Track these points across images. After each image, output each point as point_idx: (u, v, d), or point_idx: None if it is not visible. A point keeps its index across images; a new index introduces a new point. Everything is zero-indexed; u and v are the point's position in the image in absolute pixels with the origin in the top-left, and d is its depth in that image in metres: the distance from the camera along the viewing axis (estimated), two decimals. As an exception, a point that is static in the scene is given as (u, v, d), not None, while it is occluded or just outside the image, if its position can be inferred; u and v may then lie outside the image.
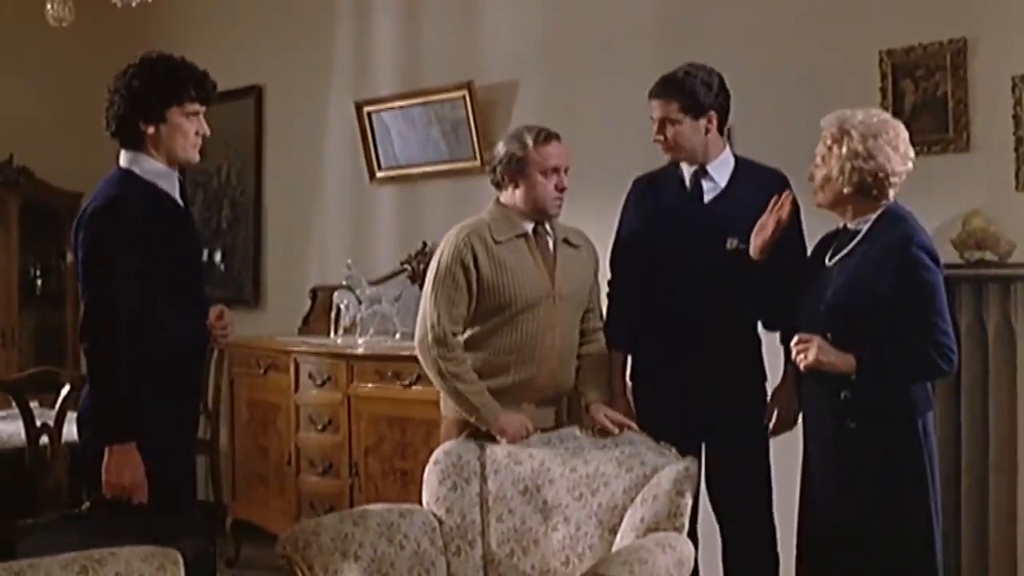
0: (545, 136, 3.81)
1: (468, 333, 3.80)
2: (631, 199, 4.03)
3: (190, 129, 3.45)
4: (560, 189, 3.81)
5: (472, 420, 3.78)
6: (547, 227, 3.88)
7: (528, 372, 3.79)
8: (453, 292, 3.74)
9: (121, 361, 3.29)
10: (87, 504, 3.45)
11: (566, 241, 3.93)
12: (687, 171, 3.89)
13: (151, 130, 3.40)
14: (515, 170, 3.80)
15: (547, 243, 3.88)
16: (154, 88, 3.40)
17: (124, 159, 3.45)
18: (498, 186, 3.89)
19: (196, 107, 3.45)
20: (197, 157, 3.52)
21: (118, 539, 2.77)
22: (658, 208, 3.92)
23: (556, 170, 3.80)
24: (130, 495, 3.29)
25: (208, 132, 3.50)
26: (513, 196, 3.84)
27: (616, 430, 3.73)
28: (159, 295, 3.38)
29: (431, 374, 3.81)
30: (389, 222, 6.28)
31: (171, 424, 3.43)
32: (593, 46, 5.32)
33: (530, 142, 3.79)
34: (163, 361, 3.39)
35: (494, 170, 3.87)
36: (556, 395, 3.93)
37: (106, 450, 3.30)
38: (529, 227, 3.84)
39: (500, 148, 3.86)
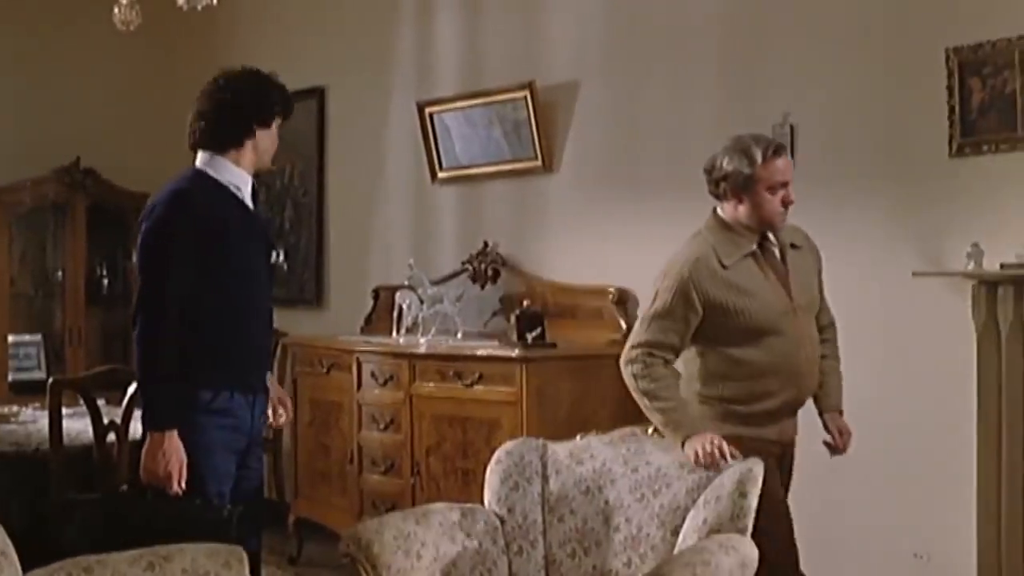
0: (774, 150, 3.58)
1: (715, 360, 3.60)
2: None
3: (276, 138, 3.62)
4: (787, 203, 3.59)
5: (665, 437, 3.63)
6: (771, 237, 3.66)
7: (792, 392, 3.61)
8: (667, 323, 3.55)
9: (167, 350, 3.32)
10: (124, 487, 3.50)
11: (792, 245, 3.71)
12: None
13: (261, 133, 3.53)
14: (740, 187, 3.57)
15: (774, 254, 3.67)
16: (268, 96, 3.56)
17: (200, 159, 3.53)
18: (717, 198, 3.66)
19: (280, 120, 3.62)
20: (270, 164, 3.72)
21: (147, 525, 2.81)
22: None
23: (784, 185, 3.58)
24: (165, 483, 3.32)
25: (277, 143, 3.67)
26: (736, 211, 3.61)
27: (842, 449, 3.70)
28: (222, 290, 3.43)
29: (630, 389, 3.63)
30: (451, 222, 6.30)
31: (226, 417, 3.45)
32: (655, 46, 5.30)
33: (759, 159, 3.55)
34: (224, 354, 3.44)
35: (716, 183, 3.62)
36: (805, 401, 3.75)
37: (147, 436, 3.34)
38: (755, 243, 3.62)
39: (724, 163, 3.60)
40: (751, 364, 3.56)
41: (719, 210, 3.66)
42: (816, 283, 3.77)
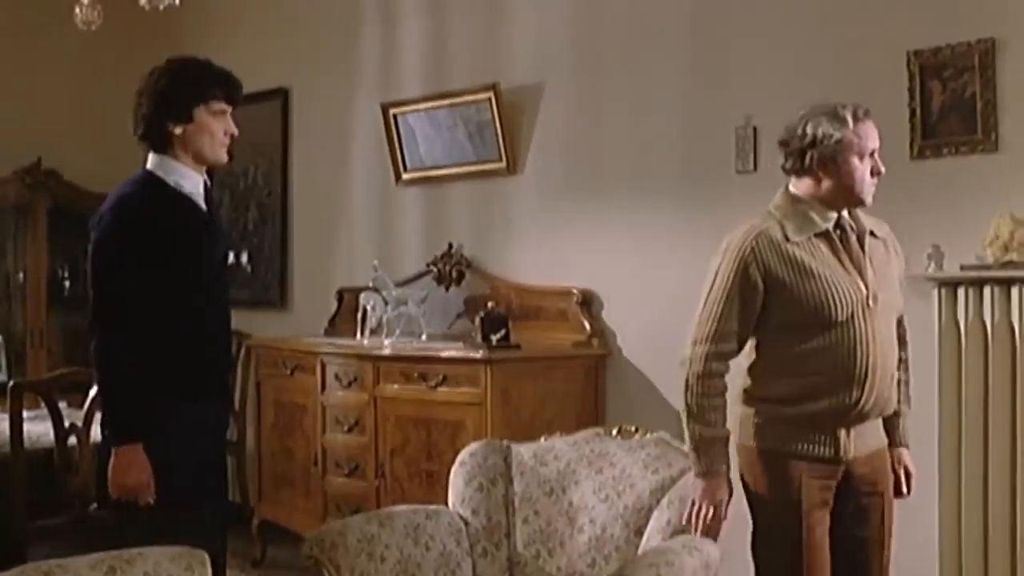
0: (865, 112, 3.20)
1: (770, 352, 3.23)
2: None
3: (217, 128, 3.43)
4: (876, 173, 3.22)
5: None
6: (849, 220, 3.26)
7: (849, 397, 3.15)
8: (725, 307, 3.17)
9: (126, 361, 3.27)
10: (95, 505, 3.45)
11: (871, 233, 3.29)
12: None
13: (179, 130, 3.38)
14: (829, 155, 3.16)
15: (850, 239, 3.25)
16: (180, 87, 3.39)
17: (151, 162, 3.45)
18: (795, 172, 3.25)
19: (222, 106, 3.44)
20: (225, 158, 3.50)
21: (123, 540, 2.79)
22: None
23: (872, 153, 3.20)
24: (135, 496, 3.29)
25: (236, 132, 3.49)
26: (817, 186, 3.20)
27: (907, 492, 3.43)
28: (178, 296, 3.36)
29: (683, 390, 3.26)
30: (415, 224, 6.29)
31: (191, 425, 3.40)
32: (619, 49, 5.31)
33: (850, 120, 3.16)
34: (184, 362, 3.38)
35: (801, 154, 3.20)
36: (879, 416, 3.31)
37: (112, 451, 3.30)
38: (831, 222, 3.22)
39: (809, 128, 3.18)
40: (809, 358, 3.16)
41: (792, 187, 3.27)
42: (896, 280, 3.37)
